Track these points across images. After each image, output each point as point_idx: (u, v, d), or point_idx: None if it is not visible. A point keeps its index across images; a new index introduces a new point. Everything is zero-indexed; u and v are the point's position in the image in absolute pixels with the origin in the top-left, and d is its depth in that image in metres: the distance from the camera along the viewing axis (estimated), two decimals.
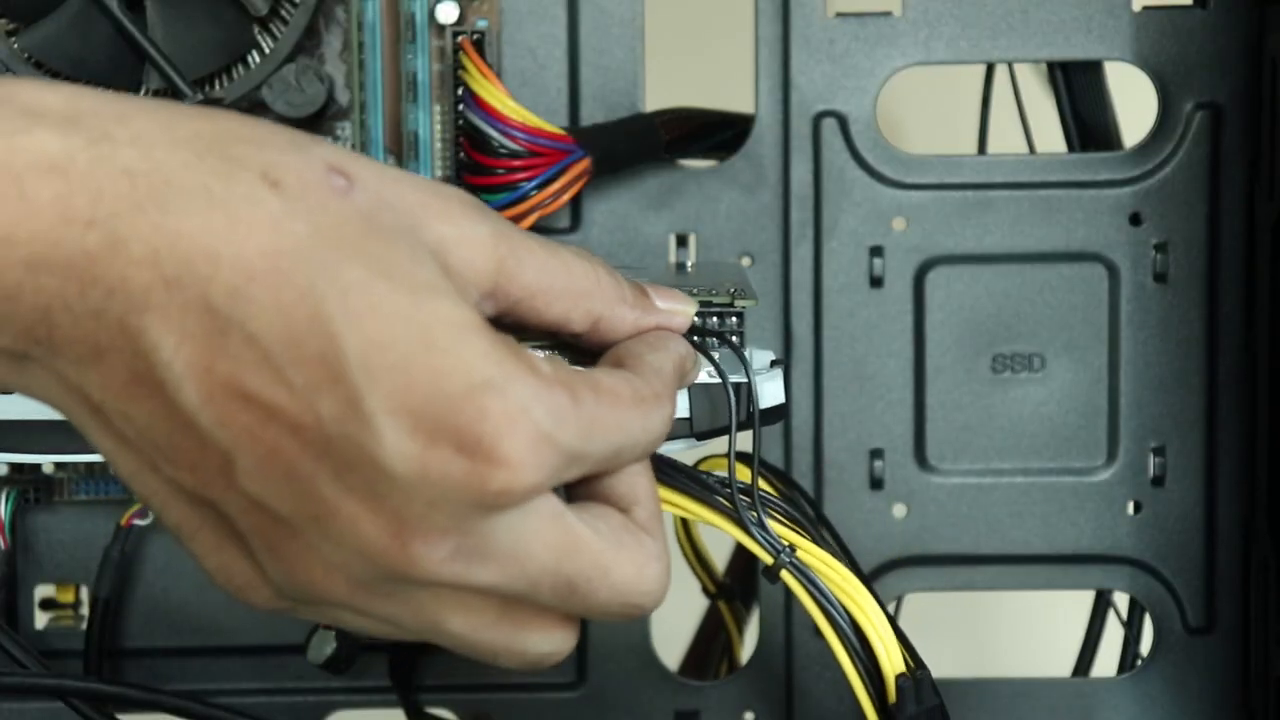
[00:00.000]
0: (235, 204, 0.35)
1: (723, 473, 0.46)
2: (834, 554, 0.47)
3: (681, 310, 0.45)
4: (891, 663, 0.46)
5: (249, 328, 0.35)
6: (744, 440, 0.46)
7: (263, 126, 0.37)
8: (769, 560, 0.46)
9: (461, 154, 0.60)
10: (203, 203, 0.35)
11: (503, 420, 0.36)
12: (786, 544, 0.46)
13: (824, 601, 0.46)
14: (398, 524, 0.36)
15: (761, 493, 0.46)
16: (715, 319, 0.48)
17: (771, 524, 0.46)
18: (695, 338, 0.46)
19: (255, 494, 0.37)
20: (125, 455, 0.38)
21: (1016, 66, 0.72)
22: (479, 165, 0.58)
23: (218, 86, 0.60)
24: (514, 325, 0.41)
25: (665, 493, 0.44)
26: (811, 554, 0.46)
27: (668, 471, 0.45)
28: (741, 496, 0.46)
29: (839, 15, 0.61)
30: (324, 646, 0.62)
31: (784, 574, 0.46)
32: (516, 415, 0.36)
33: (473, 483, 0.36)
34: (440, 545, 0.37)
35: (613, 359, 0.43)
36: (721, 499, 0.46)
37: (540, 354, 0.39)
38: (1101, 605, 0.70)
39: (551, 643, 0.41)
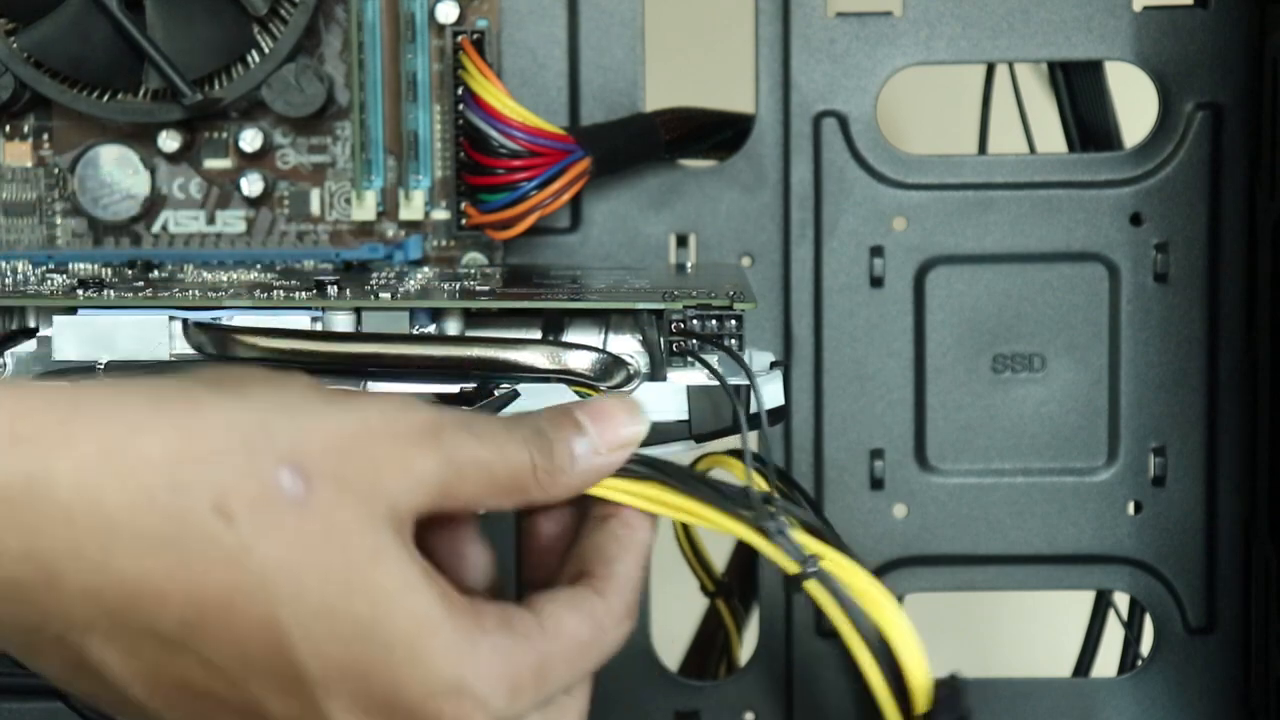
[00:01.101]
0: (187, 545, 0.35)
1: (726, 476, 0.46)
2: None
3: (626, 442, 0.43)
4: (920, 672, 0.45)
5: (202, 653, 0.36)
6: (737, 441, 0.46)
7: (215, 424, 0.36)
8: (793, 570, 0.44)
9: (461, 154, 0.60)
10: (150, 546, 0.35)
11: None
12: (810, 554, 0.44)
13: (850, 611, 0.45)
14: None
15: (782, 501, 0.45)
16: (714, 321, 0.47)
17: (793, 532, 0.45)
18: (694, 341, 0.46)
19: None
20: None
21: (1016, 66, 0.72)
22: (479, 165, 0.58)
23: (217, 86, 0.60)
24: None
25: (684, 502, 0.43)
26: (836, 563, 0.45)
27: (686, 481, 0.44)
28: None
29: (839, 15, 0.61)
30: None
31: (808, 584, 0.45)
32: (471, 713, 0.38)
33: None
34: None
35: (577, 563, 0.43)
36: (742, 509, 0.44)
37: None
38: (1102, 605, 0.70)
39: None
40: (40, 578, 0.35)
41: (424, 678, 0.37)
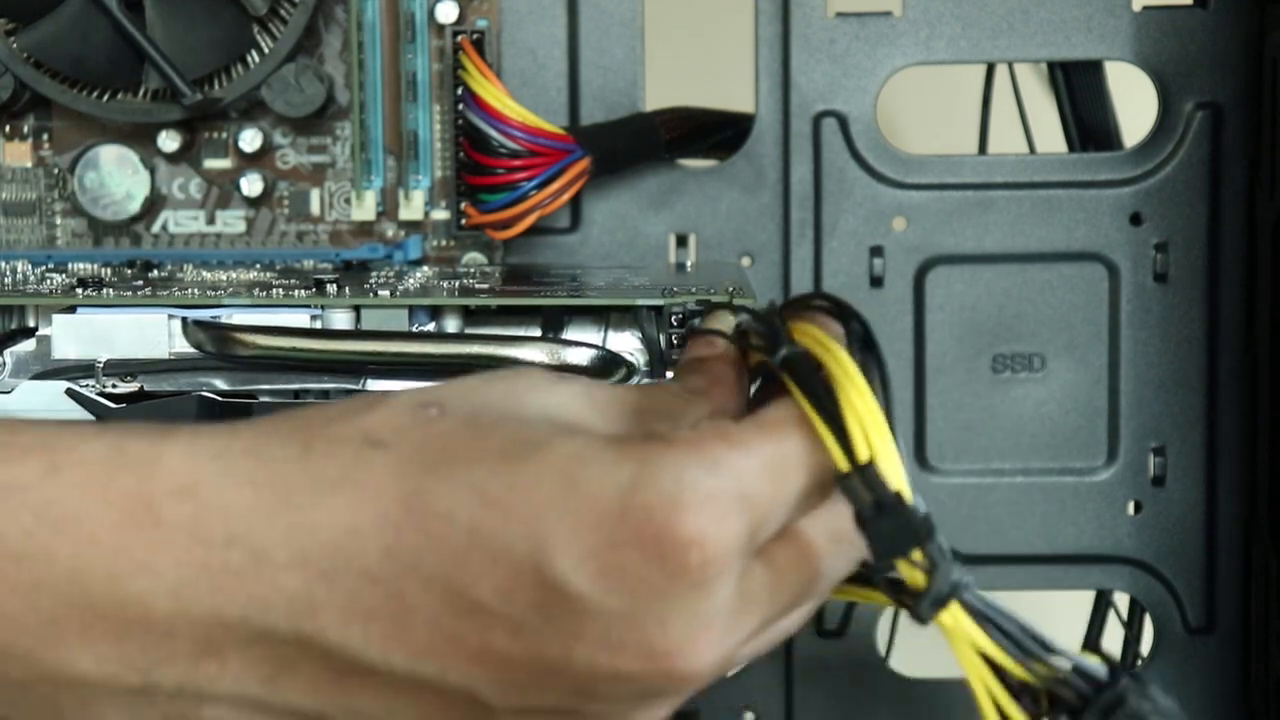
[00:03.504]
0: (353, 477, 0.36)
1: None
2: None
3: (722, 343, 0.44)
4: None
5: (420, 573, 0.36)
6: None
7: (341, 405, 0.39)
8: (923, 584, 0.37)
9: (461, 154, 0.60)
10: (326, 487, 0.36)
11: (667, 508, 0.36)
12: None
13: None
14: (649, 654, 0.36)
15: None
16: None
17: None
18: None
19: (517, 707, 0.37)
20: None
21: (1016, 66, 0.72)
22: (479, 165, 0.58)
23: (217, 86, 0.60)
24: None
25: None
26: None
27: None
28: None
29: (839, 15, 0.61)
30: None
31: (952, 608, 0.38)
32: (676, 495, 0.36)
33: (678, 578, 0.36)
34: (696, 646, 0.37)
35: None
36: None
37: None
38: (1101, 605, 0.70)
39: (807, 617, 0.42)
40: (246, 556, 0.36)
41: (612, 483, 0.36)
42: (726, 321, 0.44)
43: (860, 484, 0.37)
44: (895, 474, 0.37)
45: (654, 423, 0.40)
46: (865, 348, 0.40)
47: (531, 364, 0.43)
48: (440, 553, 0.36)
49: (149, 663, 0.36)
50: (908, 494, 0.37)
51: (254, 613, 0.36)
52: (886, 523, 0.37)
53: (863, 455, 0.37)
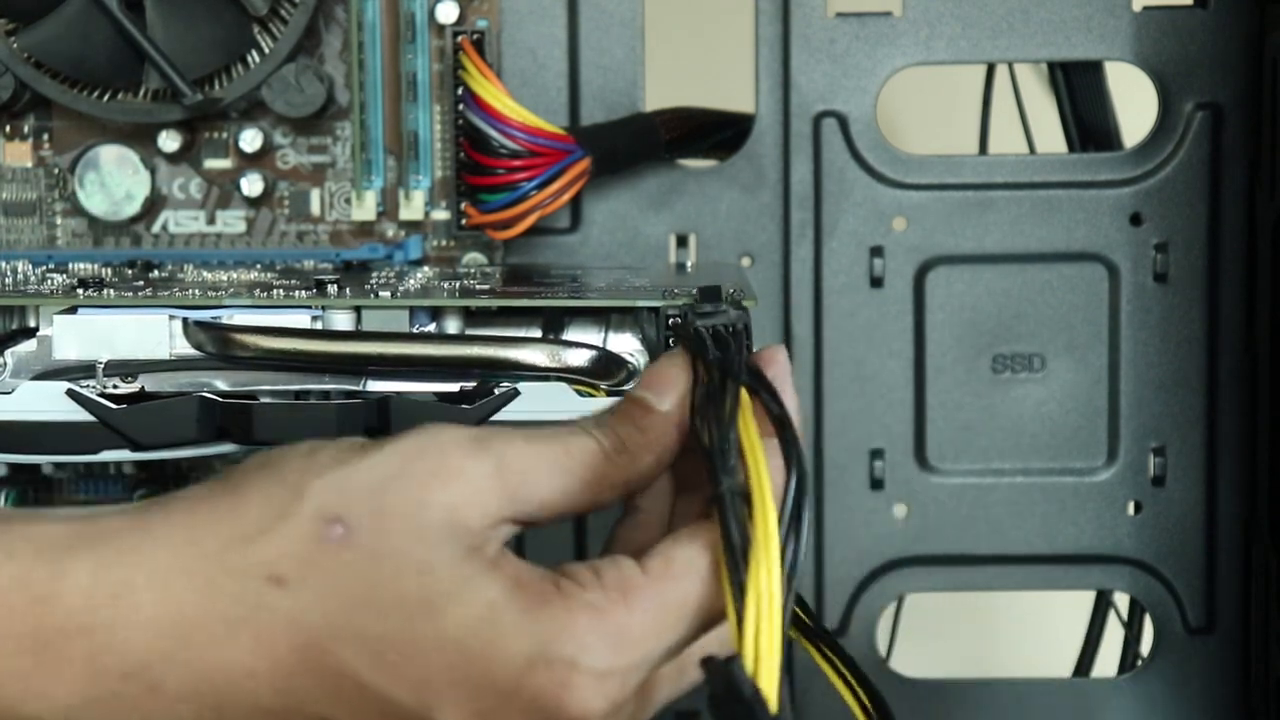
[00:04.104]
0: (256, 620, 0.38)
1: None
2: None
3: (682, 392, 0.43)
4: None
5: (306, 710, 0.38)
6: None
7: (252, 504, 0.39)
8: None
9: (461, 154, 0.60)
10: (226, 630, 0.38)
11: (556, 689, 0.38)
12: None
13: None
14: None
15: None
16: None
17: None
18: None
19: None
20: None
21: (1016, 66, 0.72)
22: (479, 165, 0.58)
23: (217, 86, 0.60)
24: None
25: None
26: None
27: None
28: None
29: (839, 15, 0.61)
30: None
31: None
32: (567, 677, 0.38)
33: None
34: None
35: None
36: None
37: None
38: (1101, 605, 0.70)
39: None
40: (141, 689, 0.38)
41: (506, 660, 0.38)
42: (680, 381, 0.43)
43: (723, 671, 0.37)
44: (769, 673, 0.37)
45: (575, 496, 0.40)
46: (799, 492, 0.40)
47: (457, 424, 0.42)
48: (331, 699, 0.38)
49: None
50: (773, 697, 0.37)
51: None
52: (735, 712, 0.37)
53: (748, 648, 0.37)
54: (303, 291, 0.49)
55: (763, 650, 0.37)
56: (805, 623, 0.44)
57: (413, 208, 0.62)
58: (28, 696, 0.37)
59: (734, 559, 0.38)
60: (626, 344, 0.48)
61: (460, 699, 0.38)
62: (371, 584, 0.38)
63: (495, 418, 0.45)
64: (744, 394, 0.41)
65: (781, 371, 0.44)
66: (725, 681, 0.37)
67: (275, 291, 0.49)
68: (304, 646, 0.38)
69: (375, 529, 0.38)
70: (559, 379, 0.45)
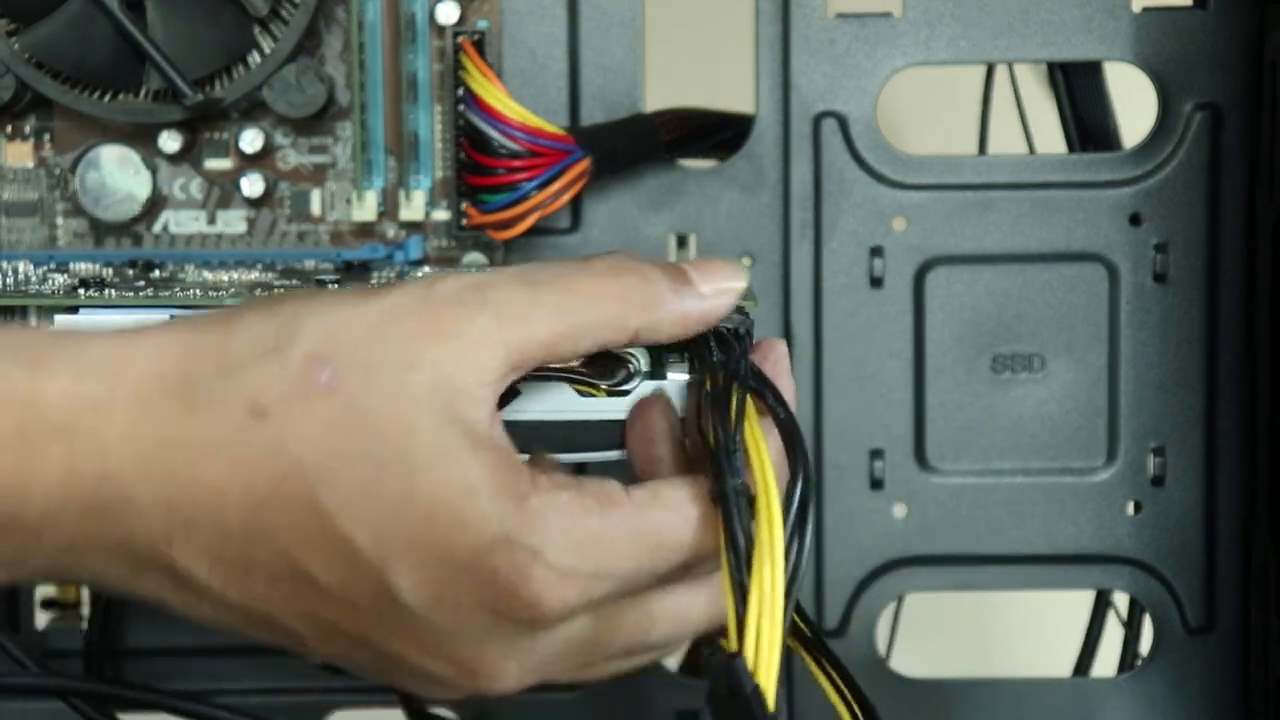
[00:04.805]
0: (231, 445, 0.38)
1: None
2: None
3: (729, 289, 0.44)
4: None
5: (271, 543, 0.38)
6: None
7: (241, 339, 0.39)
8: None
9: (461, 154, 0.60)
10: (202, 450, 0.38)
11: (514, 574, 0.38)
12: None
13: None
14: (458, 666, 0.40)
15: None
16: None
17: None
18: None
19: (331, 655, 0.41)
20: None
21: (1016, 66, 0.72)
22: (479, 165, 0.58)
23: (218, 87, 0.60)
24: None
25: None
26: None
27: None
28: None
29: (839, 15, 0.62)
30: None
31: None
32: (527, 565, 0.38)
33: (505, 624, 0.39)
34: (503, 673, 0.40)
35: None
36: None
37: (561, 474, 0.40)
38: (1101, 605, 0.70)
39: (648, 660, 0.44)
40: (116, 495, 0.38)
41: (468, 538, 0.38)
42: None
43: (726, 667, 0.37)
44: (769, 671, 0.37)
45: (580, 338, 0.41)
46: (805, 493, 0.40)
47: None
48: (295, 535, 0.38)
49: (15, 551, 0.39)
50: (771, 694, 0.37)
51: (114, 533, 0.38)
52: (733, 709, 0.37)
53: (749, 646, 0.37)
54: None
55: (764, 648, 0.37)
56: (799, 627, 0.44)
57: (413, 208, 0.62)
58: (7, 493, 0.37)
59: (737, 557, 0.38)
60: None
61: (416, 564, 0.38)
62: (351, 434, 0.38)
63: None
64: (749, 397, 0.41)
65: (780, 363, 0.44)
66: (727, 677, 0.37)
67: (276, 291, 0.49)
68: (278, 478, 0.38)
69: (362, 381, 0.39)
70: (559, 378, 0.45)
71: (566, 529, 0.39)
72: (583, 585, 0.39)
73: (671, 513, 0.40)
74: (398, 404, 0.39)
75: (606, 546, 0.39)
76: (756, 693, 0.37)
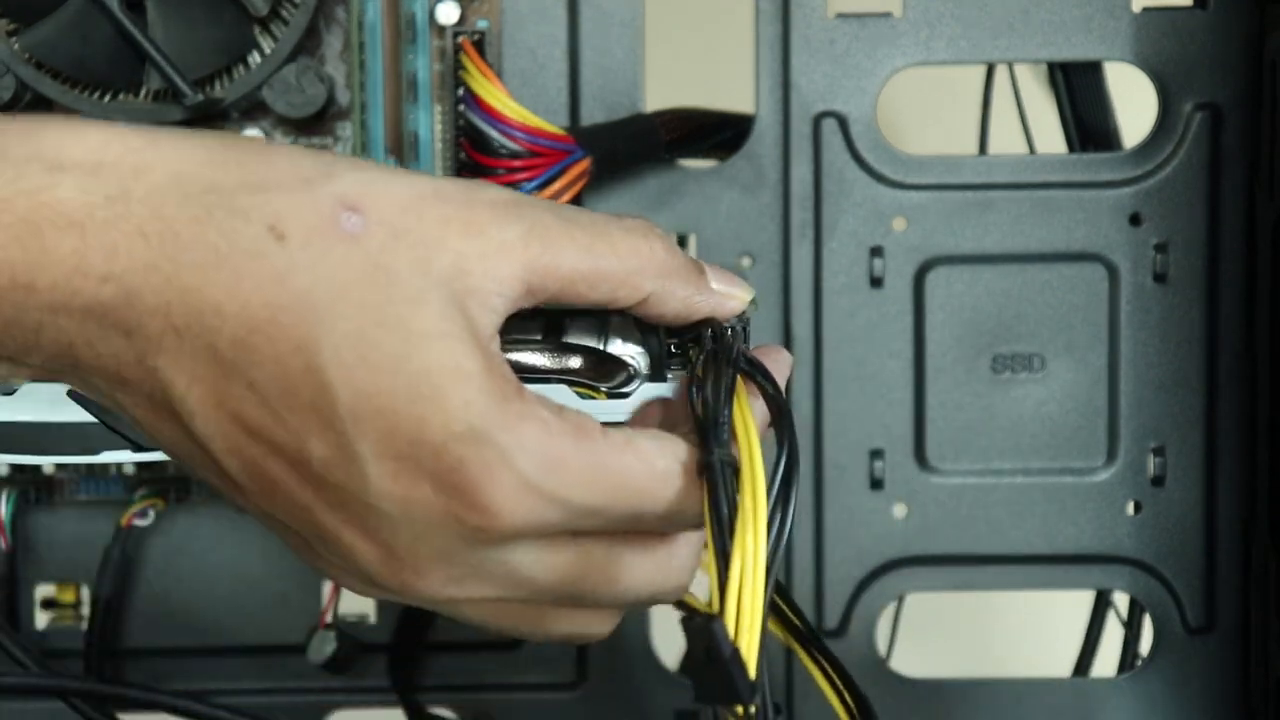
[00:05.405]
0: (240, 260, 0.37)
1: None
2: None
3: (737, 295, 0.45)
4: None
5: (250, 375, 0.38)
6: None
7: (278, 164, 0.39)
8: None
9: (462, 154, 0.60)
10: (210, 259, 0.37)
11: (479, 469, 0.38)
12: None
13: None
14: (388, 553, 0.39)
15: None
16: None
17: None
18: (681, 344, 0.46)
19: (266, 512, 0.40)
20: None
21: (1016, 66, 0.72)
22: (479, 165, 0.58)
23: (218, 87, 0.60)
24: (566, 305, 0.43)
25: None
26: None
27: None
28: None
29: (839, 16, 0.62)
30: (324, 646, 0.62)
31: None
32: (494, 464, 0.38)
33: (451, 522, 0.38)
34: (430, 573, 0.39)
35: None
36: None
37: (562, 394, 0.40)
38: (1101, 605, 0.70)
39: (578, 627, 0.43)
40: (120, 296, 0.37)
41: (446, 420, 0.38)
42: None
43: (704, 629, 0.36)
44: (750, 637, 0.37)
45: (599, 285, 0.41)
46: (790, 467, 0.40)
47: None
48: (274, 370, 0.38)
49: (14, 352, 0.38)
50: (752, 661, 0.36)
51: (110, 339, 0.38)
52: (713, 673, 0.36)
53: (729, 611, 0.37)
54: None
55: (744, 613, 0.37)
56: (796, 626, 0.44)
57: None
58: (12, 289, 0.37)
59: (720, 525, 0.38)
60: (627, 347, 0.48)
61: (385, 433, 0.38)
62: (362, 285, 0.38)
63: None
64: (740, 377, 0.42)
65: (780, 366, 0.44)
66: (705, 640, 0.36)
67: None
68: (278, 306, 0.37)
69: (386, 242, 0.38)
70: (559, 381, 0.45)
71: (540, 443, 0.38)
72: (538, 504, 0.38)
73: (640, 461, 0.40)
74: (414, 274, 0.38)
75: (571, 473, 0.39)
76: (736, 656, 0.36)
